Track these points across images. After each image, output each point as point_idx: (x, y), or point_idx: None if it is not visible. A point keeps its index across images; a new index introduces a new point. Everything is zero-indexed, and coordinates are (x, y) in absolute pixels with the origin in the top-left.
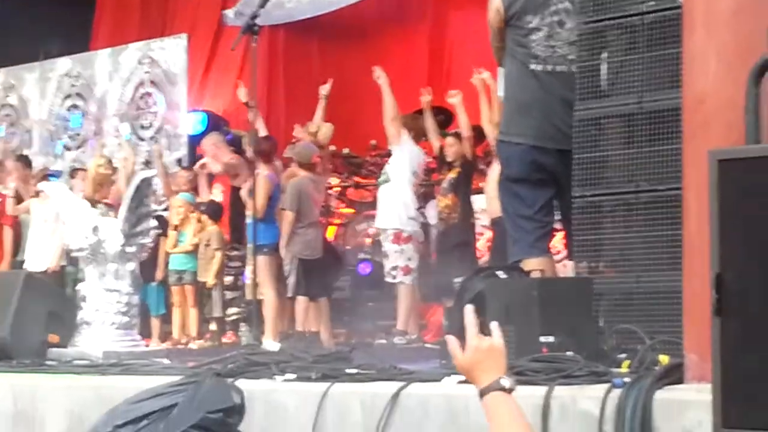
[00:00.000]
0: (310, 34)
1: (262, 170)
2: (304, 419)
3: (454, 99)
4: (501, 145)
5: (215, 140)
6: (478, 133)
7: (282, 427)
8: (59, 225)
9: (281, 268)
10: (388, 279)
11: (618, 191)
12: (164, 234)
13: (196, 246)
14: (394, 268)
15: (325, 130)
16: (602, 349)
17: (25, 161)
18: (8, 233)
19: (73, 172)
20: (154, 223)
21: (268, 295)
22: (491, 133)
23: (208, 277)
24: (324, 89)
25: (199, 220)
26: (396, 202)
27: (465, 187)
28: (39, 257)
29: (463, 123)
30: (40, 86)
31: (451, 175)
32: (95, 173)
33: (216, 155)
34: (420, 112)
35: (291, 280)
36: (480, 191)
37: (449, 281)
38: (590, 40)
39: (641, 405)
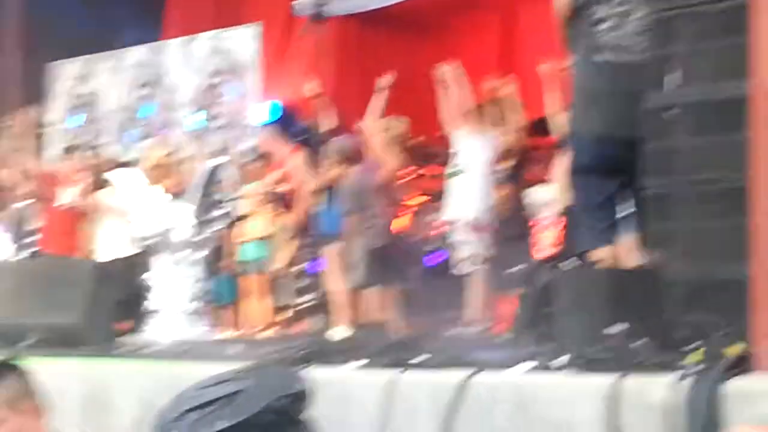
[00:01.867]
0: (382, 24)
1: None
2: (372, 407)
3: (508, 90)
4: (570, 135)
5: (271, 134)
6: (543, 125)
7: (350, 415)
8: (131, 214)
9: (348, 258)
10: (464, 268)
11: (688, 181)
12: (233, 224)
13: (268, 235)
14: (468, 257)
15: (396, 125)
16: (672, 339)
17: (98, 152)
18: (80, 224)
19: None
20: (224, 211)
21: (337, 284)
22: (557, 124)
23: (279, 266)
24: (383, 81)
25: (270, 210)
26: (472, 192)
27: (519, 178)
28: (109, 247)
29: (517, 114)
30: (112, 76)
31: (507, 165)
32: (158, 163)
33: (274, 149)
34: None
35: (359, 271)
36: (537, 183)
37: (507, 272)
38: (660, 30)
39: (711, 395)
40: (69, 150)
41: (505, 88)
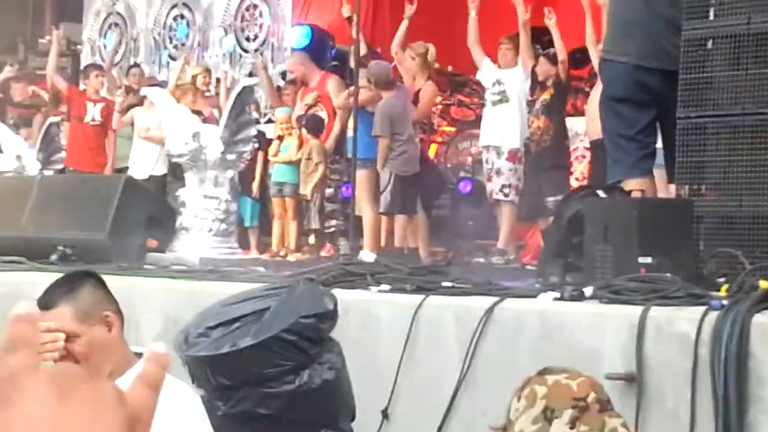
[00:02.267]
0: None
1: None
2: (397, 330)
3: (550, 20)
4: (604, 64)
5: (302, 59)
6: (582, 55)
7: (376, 337)
8: (161, 132)
9: (378, 184)
10: (499, 197)
11: (723, 113)
12: (262, 148)
13: (298, 159)
14: (507, 185)
15: (432, 51)
16: (701, 272)
17: (131, 70)
18: (111, 139)
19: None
20: (254, 131)
21: (366, 209)
22: (595, 53)
23: (308, 190)
24: (409, 10)
25: (301, 134)
26: (515, 121)
27: (558, 109)
28: (141, 164)
29: (557, 44)
30: None
31: (544, 96)
32: (191, 82)
33: (305, 74)
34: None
35: (386, 196)
36: (578, 114)
37: (542, 202)
38: None
39: (739, 328)
40: (102, 67)
41: (546, 16)
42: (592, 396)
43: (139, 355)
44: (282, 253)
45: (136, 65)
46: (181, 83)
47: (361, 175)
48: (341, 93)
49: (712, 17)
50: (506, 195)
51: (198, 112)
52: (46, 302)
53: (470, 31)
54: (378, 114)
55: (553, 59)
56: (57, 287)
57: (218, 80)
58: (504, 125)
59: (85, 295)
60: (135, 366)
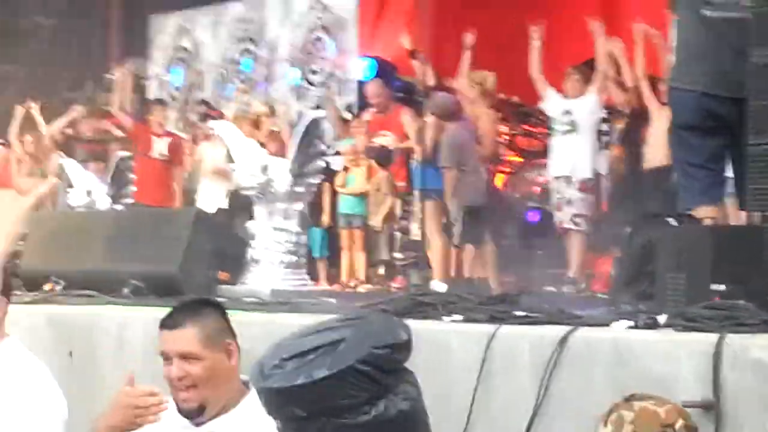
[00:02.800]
0: None
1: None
2: (470, 360)
3: (616, 49)
4: (672, 92)
5: (380, 89)
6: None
7: (449, 368)
8: (229, 166)
9: (446, 215)
10: (569, 226)
11: None
12: (329, 180)
13: (366, 190)
14: (578, 215)
15: (492, 80)
16: None
17: (198, 104)
18: (179, 173)
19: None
20: (322, 163)
21: (434, 240)
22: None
23: (377, 221)
24: (469, 39)
25: (369, 165)
26: (585, 151)
27: (634, 137)
28: (210, 198)
29: (626, 72)
30: (213, 30)
31: (619, 125)
32: (259, 116)
33: (379, 103)
34: (590, 61)
35: (457, 229)
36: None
37: (619, 232)
38: None
39: None
40: (169, 102)
41: (614, 45)
42: (680, 423)
43: (246, 383)
44: (352, 284)
45: (203, 102)
46: (258, 116)
47: (429, 206)
48: (414, 125)
49: None
50: (577, 224)
51: (273, 145)
52: (173, 322)
53: (533, 62)
54: (444, 145)
55: (624, 86)
56: (184, 309)
57: (285, 112)
58: (574, 155)
59: (211, 321)
60: (247, 397)
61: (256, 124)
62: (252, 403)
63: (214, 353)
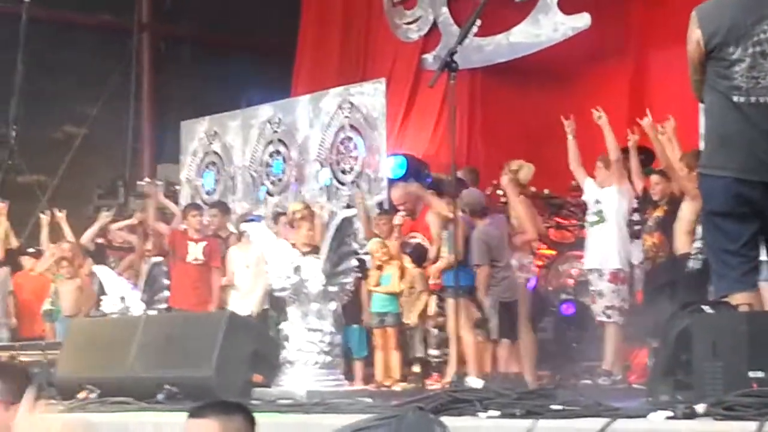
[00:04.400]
0: (510, 76)
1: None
2: None
3: (660, 137)
4: (703, 179)
5: (402, 191)
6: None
7: None
8: (262, 268)
9: (481, 310)
10: (602, 318)
11: None
12: (365, 277)
13: (400, 288)
14: (610, 307)
15: (527, 170)
16: None
17: (223, 207)
18: (218, 276)
19: (276, 217)
20: (355, 262)
21: (467, 336)
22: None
23: (411, 319)
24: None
25: (402, 263)
26: (613, 242)
27: (672, 224)
28: (243, 301)
29: (662, 158)
30: (243, 133)
31: (657, 213)
32: (293, 216)
33: (409, 205)
34: (621, 151)
35: (494, 323)
36: None
37: (657, 322)
38: None
39: None
40: (200, 206)
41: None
42: None
43: None
44: (387, 383)
45: (218, 204)
46: (292, 217)
47: (463, 303)
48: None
49: None
50: (609, 317)
51: (306, 245)
52: (199, 412)
53: (571, 154)
54: (475, 242)
55: (665, 175)
56: (215, 405)
57: (317, 213)
58: (603, 246)
59: (236, 421)
60: None
61: (298, 223)
62: None
63: None
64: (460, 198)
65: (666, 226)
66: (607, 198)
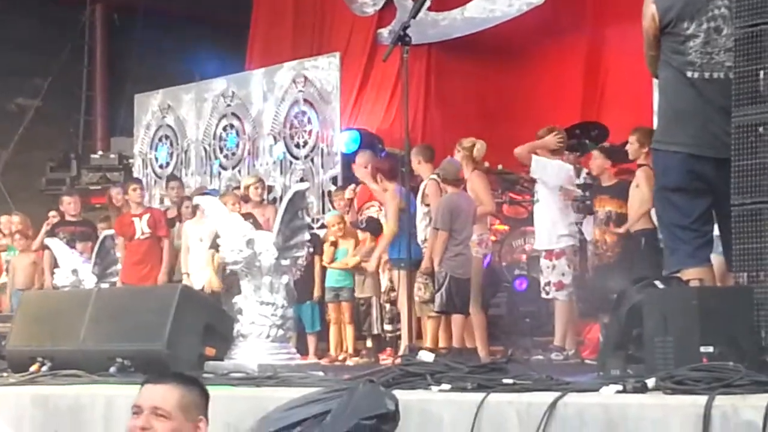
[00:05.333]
0: (465, 51)
1: (390, 187)
2: (459, 430)
3: None
4: (656, 154)
5: (370, 159)
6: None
7: None
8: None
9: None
10: (543, 294)
11: None
12: (318, 252)
13: (355, 263)
14: (548, 283)
15: (480, 147)
16: (764, 359)
17: (177, 180)
18: (166, 245)
19: (229, 191)
20: (308, 236)
21: (423, 310)
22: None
23: (365, 293)
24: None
25: (356, 237)
26: (545, 221)
27: (624, 201)
28: (197, 275)
29: None
30: (196, 107)
31: (607, 183)
32: (245, 191)
33: (366, 174)
34: (574, 127)
35: (441, 296)
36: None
37: (606, 297)
38: (747, 45)
39: None
40: (141, 180)
41: None
42: None
43: None
44: (340, 357)
45: (174, 177)
46: (244, 191)
47: (401, 275)
48: (398, 196)
49: (762, 102)
50: (547, 293)
51: (259, 219)
52: (159, 377)
53: (526, 147)
54: (440, 207)
55: (607, 152)
56: (174, 374)
57: (270, 188)
58: (538, 223)
59: (194, 394)
60: None
61: (244, 198)
62: None
63: (184, 421)
64: (441, 165)
65: (620, 199)
66: (540, 175)
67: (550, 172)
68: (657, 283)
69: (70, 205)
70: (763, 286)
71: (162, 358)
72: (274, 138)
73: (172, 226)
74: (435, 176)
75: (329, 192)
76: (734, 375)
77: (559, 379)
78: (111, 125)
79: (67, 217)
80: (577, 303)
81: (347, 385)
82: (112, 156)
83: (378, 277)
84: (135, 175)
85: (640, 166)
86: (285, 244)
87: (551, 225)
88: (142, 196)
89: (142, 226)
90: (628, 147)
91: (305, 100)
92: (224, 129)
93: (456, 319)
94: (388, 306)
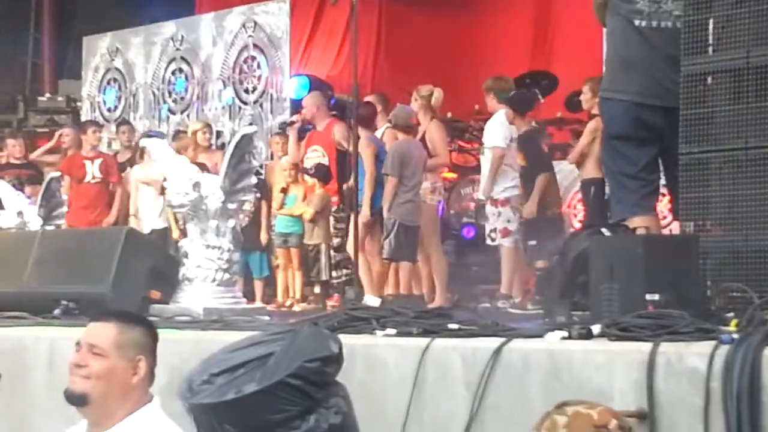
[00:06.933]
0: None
1: (363, 134)
2: (404, 374)
3: None
4: (604, 102)
5: (317, 101)
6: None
7: (382, 382)
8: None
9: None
10: (488, 242)
11: (726, 148)
12: (264, 198)
13: (303, 209)
14: (494, 230)
15: (437, 95)
16: (709, 307)
17: (128, 124)
18: (118, 191)
19: (177, 135)
20: (254, 180)
21: (370, 256)
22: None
23: (314, 240)
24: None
25: (305, 183)
26: (485, 168)
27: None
28: (145, 218)
29: None
30: (145, 50)
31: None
32: (193, 135)
33: (315, 116)
34: (523, 77)
35: (389, 242)
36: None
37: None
38: None
39: (750, 361)
40: (99, 123)
41: None
42: (613, 423)
43: None
44: (287, 303)
45: (125, 122)
46: (192, 136)
47: (365, 222)
48: (348, 139)
49: (710, 52)
50: (493, 240)
51: (200, 165)
52: (99, 315)
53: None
54: (390, 153)
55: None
56: (119, 312)
57: (219, 133)
58: (485, 174)
59: (134, 333)
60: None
61: (192, 142)
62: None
63: (120, 359)
64: (393, 112)
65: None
66: (487, 126)
67: (502, 123)
68: (603, 230)
69: (15, 147)
70: (709, 235)
71: (107, 300)
72: (223, 83)
73: (123, 170)
74: (388, 124)
75: (278, 137)
76: (679, 322)
77: (504, 325)
78: (59, 68)
79: (12, 160)
80: (524, 251)
81: (291, 328)
82: (59, 99)
83: (328, 224)
84: (84, 118)
85: (593, 116)
86: (232, 188)
87: (507, 173)
88: (100, 139)
89: (93, 170)
90: (582, 97)
91: (255, 45)
92: (173, 73)
93: (404, 266)
94: (334, 252)
